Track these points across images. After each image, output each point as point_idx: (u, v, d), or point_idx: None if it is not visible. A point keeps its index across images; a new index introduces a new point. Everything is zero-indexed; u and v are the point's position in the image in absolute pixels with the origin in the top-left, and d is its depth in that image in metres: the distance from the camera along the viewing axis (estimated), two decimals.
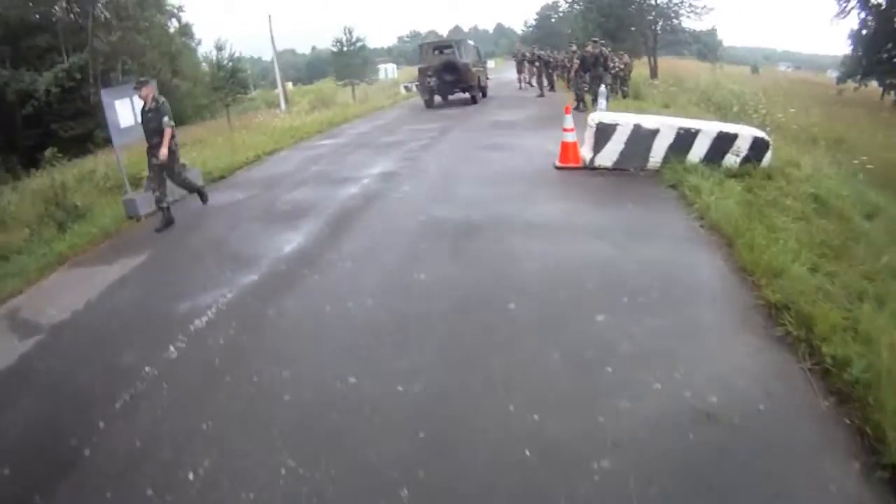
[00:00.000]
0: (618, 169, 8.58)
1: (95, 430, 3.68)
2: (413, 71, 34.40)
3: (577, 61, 17.22)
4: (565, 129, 9.17)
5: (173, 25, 43.07)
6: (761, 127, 12.40)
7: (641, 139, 8.39)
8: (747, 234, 5.43)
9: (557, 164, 9.14)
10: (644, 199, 7.25)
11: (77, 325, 5.55)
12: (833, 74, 65.68)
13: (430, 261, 5.81)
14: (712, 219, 6.07)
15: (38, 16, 32.09)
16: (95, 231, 8.59)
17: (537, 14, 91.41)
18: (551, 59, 27.18)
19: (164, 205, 8.28)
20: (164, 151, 7.87)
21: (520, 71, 29.82)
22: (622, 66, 21.37)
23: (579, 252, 5.64)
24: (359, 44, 39.13)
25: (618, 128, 8.48)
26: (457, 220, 6.92)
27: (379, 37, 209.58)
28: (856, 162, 9.95)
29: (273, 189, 9.93)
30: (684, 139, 8.21)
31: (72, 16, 34.12)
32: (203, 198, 9.30)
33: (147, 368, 4.30)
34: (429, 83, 21.21)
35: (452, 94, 21.87)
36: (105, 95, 9.10)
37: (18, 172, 21.50)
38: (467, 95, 21.63)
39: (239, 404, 3.76)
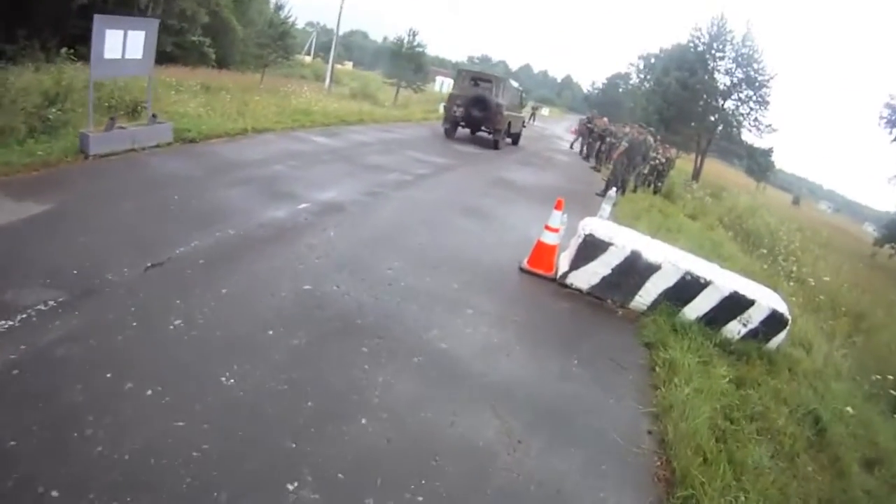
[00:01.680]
0: (593, 296, 6.71)
1: None
2: None
3: (626, 144, 15.33)
4: (549, 228, 7.22)
5: None
6: (783, 287, 10.78)
7: (635, 270, 6.48)
8: (701, 480, 3.70)
9: (524, 265, 7.23)
10: (600, 357, 5.32)
11: None
12: (870, 229, 64.53)
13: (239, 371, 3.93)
14: (668, 431, 4.25)
15: None
16: (40, 154, 7.53)
17: (606, 79, 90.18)
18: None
19: None
20: None
21: (580, 133, 27.07)
22: (664, 160, 19.58)
23: (451, 439, 3.71)
24: (418, 48, 37.40)
25: (610, 248, 6.55)
26: (339, 309, 5.07)
27: (453, 50, 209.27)
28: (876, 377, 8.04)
29: (204, 182, 8.23)
30: (688, 287, 6.34)
31: None
32: None
33: None
34: (454, 112, 19.21)
35: (477, 130, 20.05)
36: (98, 21, 7.94)
37: (52, 57, 19.97)
38: (490, 137, 19.68)
39: None
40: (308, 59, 68.34)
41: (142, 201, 6.77)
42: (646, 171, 18.36)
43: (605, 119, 24.42)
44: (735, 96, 33.00)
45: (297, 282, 5.40)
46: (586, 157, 23.99)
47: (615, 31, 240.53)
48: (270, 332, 4.42)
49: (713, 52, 32.90)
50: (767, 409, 5.08)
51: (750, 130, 33.70)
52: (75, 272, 4.67)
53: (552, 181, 15.37)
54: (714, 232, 15.09)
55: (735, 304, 6.25)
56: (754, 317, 6.23)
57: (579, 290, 6.74)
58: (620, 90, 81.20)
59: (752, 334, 6.24)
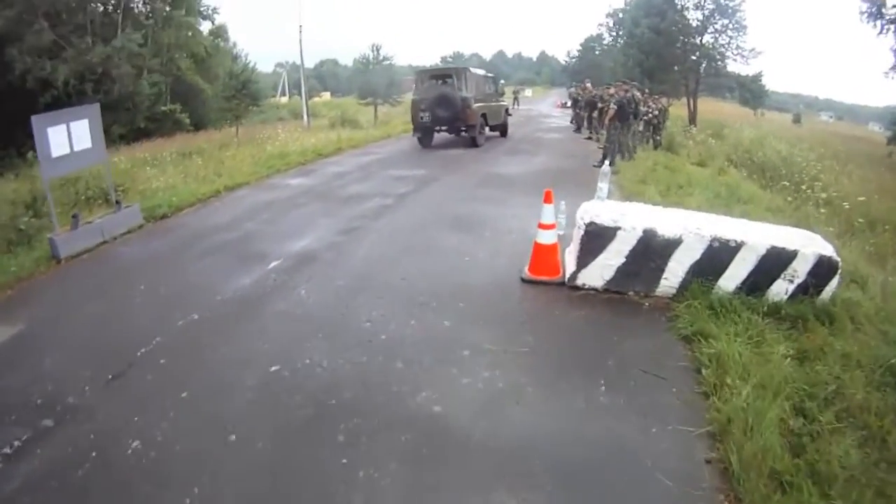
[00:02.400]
0: (612, 292, 5.71)
1: None
2: None
3: (615, 106, 14.18)
4: (542, 226, 6.10)
5: (205, 27, 41.63)
6: (815, 217, 9.78)
7: (654, 251, 5.50)
8: None
9: (526, 274, 6.21)
10: (631, 371, 4.35)
11: None
12: (876, 127, 63.21)
13: None
14: (731, 458, 3.31)
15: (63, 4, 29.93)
16: (13, 270, 7.19)
17: (580, 45, 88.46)
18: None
19: None
20: None
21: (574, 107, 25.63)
22: (656, 112, 18.54)
23: None
24: (385, 62, 36.48)
25: (619, 233, 5.55)
26: (311, 390, 4.23)
27: (423, 55, 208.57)
28: None
29: (172, 262, 7.50)
30: (718, 255, 5.35)
31: (104, 7, 32.74)
32: None
33: None
34: (421, 118, 17.21)
35: (454, 131, 17.62)
36: (36, 122, 7.55)
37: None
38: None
39: None
40: (284, 99, 67.93)
41: (109, 301, 6.23)
42: (640, 128, 17.33)
43: (589, 84, 23.03)
44: (711, 29, 31.75)
45: (263, 365, 4.55)
46: (578, 129, 22.99)
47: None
48: (233, 438, 3.70)
49: None
50: (841, 382, 4.13)
51: (735, 60, 32.47)
52: (39, 402, 4.23)
53: (546, 164, 14.27)
54: (727, 175, 14.03)
55: (776, 261, 5.28)
56: (800, 269, 5.27)
57: (594, 290, 5.76)
58: (597, 52, 79.56)
59: (802, 289, 5.30)
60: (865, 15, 25.68)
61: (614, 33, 56.52)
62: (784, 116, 57.74)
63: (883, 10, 25.07)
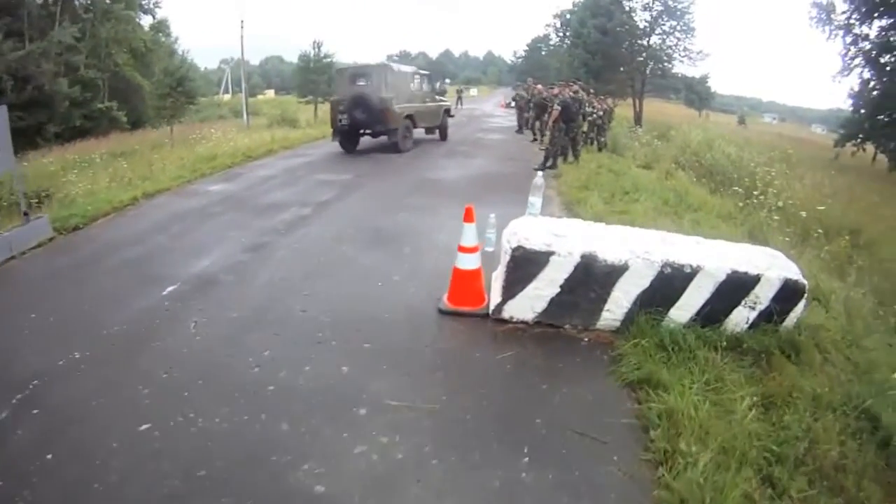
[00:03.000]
0: (545, 325, 4.82)
1: None
2: None
3: (559, 107, 13.36)
4: (463, 249, 5.08)
5: (146, 21, 40.37)
6: (769, 225, 9.18)
7: (594, 279, 4.62)
8: None
9: (444, 304, 5.22)
10: (563, 434, 3.49)
11: None
12: (819, 129, 64.70)
13: None
14: None
15: None
16: None
17: (527, 45, 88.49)
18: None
19: None
20: None
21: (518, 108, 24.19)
22: (601, 113, 17.89)
23: None
24: (326, 59, 35.37)
25: (553, 259, 4.64)
26: (182, 456, 3.34)
27: (367, 54, 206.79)
28: None
29: (69, 284, 6.40)
30: (670, 282, 4.54)
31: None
32: None
33: None
34: (340, 121, 15.37)
35: (377, 135, 16.02)
36: None
37: None
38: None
39: None
40: (227, 97, 66.12)
41: None
42: (585, 129, 16.65)
43: (539, 85, 22.05)
44: (659, 30, 31.47)
45: (134, 423, 3.59)
46: (520, 130, 22.27)
47: None
48: None
49: None
50: (813, 435, 3.43)
51: (682, 61, 32.36)
52: None
53: (485, 168, 13.41)
54: (674, 179, 13.40)
55: (736, 288, 4.53)
56: (763, 295, 4.55)
57: (524, 323, 4.85)
58: (543, 53, 79.61)
59: (765, 316, 4.59)
60: (815, 20, 25.65)
61: (561, 34, 56.15)
62: (729, 118, 58.25)
63: (832, 16, 25.02)
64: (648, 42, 31.47)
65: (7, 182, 10.78)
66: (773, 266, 4.65)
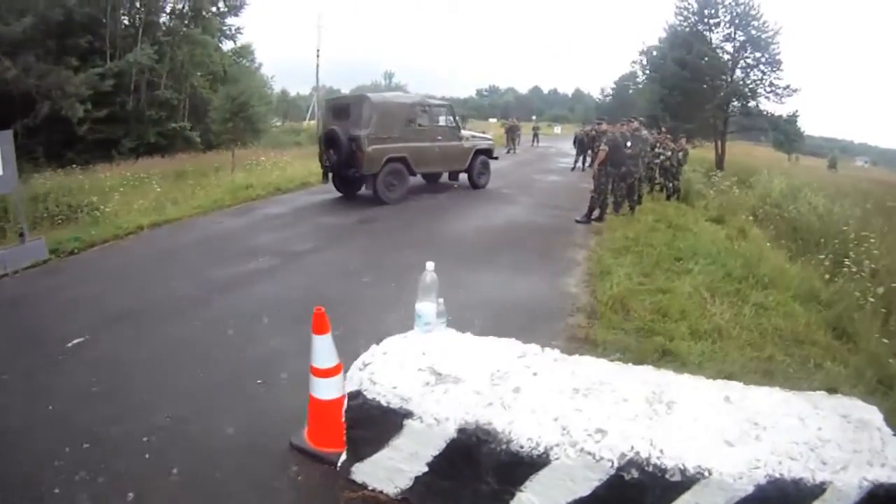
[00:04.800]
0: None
1: None
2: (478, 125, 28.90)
3: (606, 147, 11.17)
4: (318, 372, 3.34)
5: (226, 46, 40.31)
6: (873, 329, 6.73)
7: (486, 468, 2.55)
8: None
9: (301, 439, 3.47)
10: None
11: None
12: None
13: None
14: None
15: (84, 15, 28.78)
16: None
17: (615, 84, 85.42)
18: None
19: None
20: None
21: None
22: (668, 154, 15.55)
23: None
24: (398, 90, 34.15)
25: (409, 425, 2.67)
26: None
27: (459, 88, 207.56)
28: None
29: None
30: (637, 497, 2.35)
31: (126, 18, 32.19)
32: None
33: None
34: (326, 161, 12.94)
35: (352, 181, 13.05)
36: None
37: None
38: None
39: None
40: (312, 123, 66.57)
41: None
42: (644, 174, 14.38)
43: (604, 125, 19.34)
44: (742, 63, 28.53)
45: None
46: (573, 168, 20.28)
47: (616, 33, 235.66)
48: None
49: (705, 19, 28.60)
50: None
51: (768, 98, 28.84)
52: None
53: (517, 217, 11.36)
54: (747, 238, 10.97)
55: None
56: None
57: (384, 496, 2.86)
58: (630, 91, 76.72)
59: None
60: None
61: (647, 71, 53.53)
62: (819, 161, 54.08)
63: None
64: (731, 76, 28.59)
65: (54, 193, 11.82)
66: (853, 456, 2.47)
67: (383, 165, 12.34)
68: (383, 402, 2.73)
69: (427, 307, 3.41)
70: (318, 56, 30.23)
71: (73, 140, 26.06)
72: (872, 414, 2.84)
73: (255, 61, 46.54)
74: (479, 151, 15.13)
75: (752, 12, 27.43)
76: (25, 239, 8.23)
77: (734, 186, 17.37)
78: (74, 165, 21.28)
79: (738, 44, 28.07)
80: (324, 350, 3.35)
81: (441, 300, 4.28)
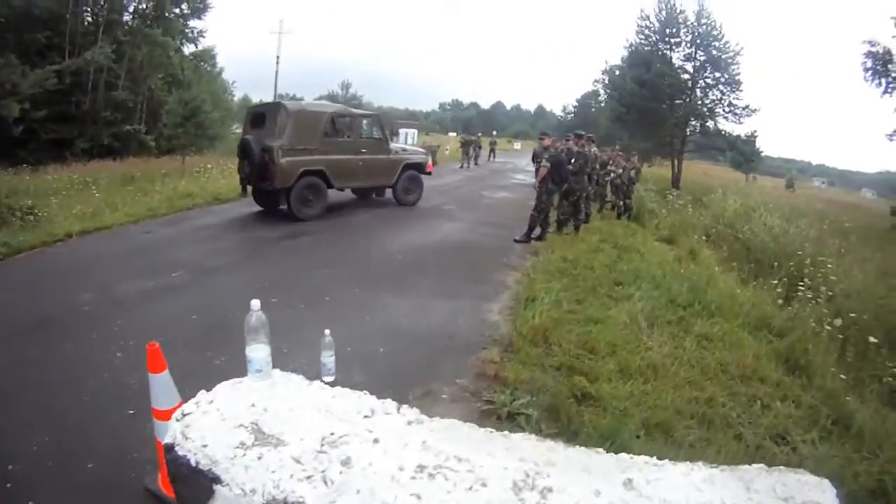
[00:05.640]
0: None
1: None
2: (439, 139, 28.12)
3: (546, 164, 10.45)
4: (159, 415, 2.91)
5: (188, 49, 39.78)
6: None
7: None
8: None
9: (156, 484, 3.09)
10: None
11: None
12: (868, 194, 60.80)
13: None
14: None
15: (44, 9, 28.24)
16: None
17: (577, 101, 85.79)
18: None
19: None
20: None
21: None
22: (619, 172, 14.99)
23: None
24: (354, 101, 33.54)
25: (220, 492, 1.87)
26: None
27: (422, 101, 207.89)
28: None
29: None
30: None
31: (88, 16, 31.48)
32: None
33: None
34: (244, 171, 11.82)
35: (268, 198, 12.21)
36: None
37: None
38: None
39: None
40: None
41: None
42: (593, 192, 13.79)
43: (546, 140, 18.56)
44: (701, 83, 28.19)
45: None
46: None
47: (580, 52, 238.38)
48: None
49: (666, 38, 28.19)
50: None
51: (726, 118, 28.46)
52: None
53: (455, 235, 10.64)
54: (698, 260, 10.33)
55: None
56: None
57: None
58: (593, 109, 77.05)
59: None
60: (869, 72, 22.35)
61: (609, 90, 53.50)
62: (777, 182, 54.61)
63: (890, 66, 21.76)
64: (690, 96, 28.25)
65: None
66: None
67: (298, 179, 11.29)
68: (192, 462, 2.01)
69: (257, 351, 2.64)
70: (277, 62, 29.51)
71: (26, 139, 25.62)
72: (823, 493, 2.08)
73: (217, 66, 46.10)
74: (409, 166, 14.10)
75: (714, 32, 27.08)
76: None
77: (688, 205, 16.83)
78: (25, 165, 20.65)
79: (698, 63, 27.61)
80: (162, 389, 3.00)
81: (327, 331, 3.90)
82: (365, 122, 13.29)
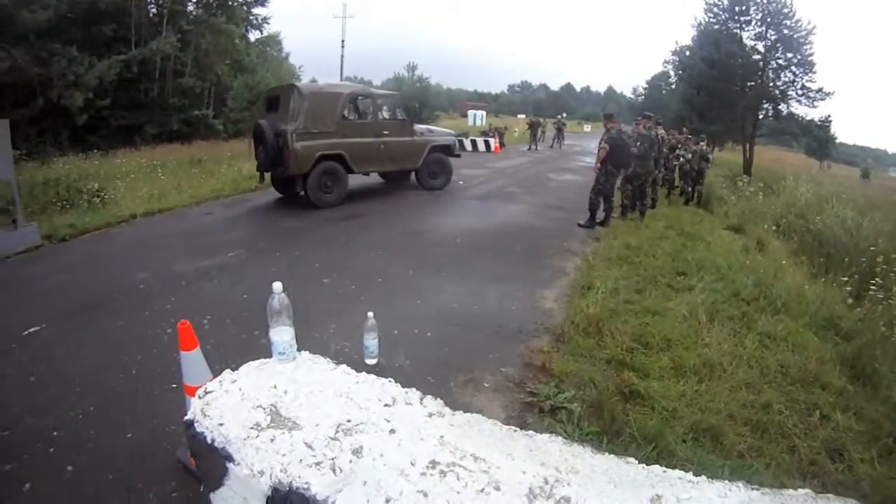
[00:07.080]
0: None
1: None
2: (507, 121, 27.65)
3: (605, 146, 10.05)
4: (190, 391, 2.92)
5: (253, 36, 39.96)
6: None
7: None
8: None
9: (187, 459, 3.17)
10: None
11: None
12: None
13: None
14: None
15: (109, 4, 28.79)
16: None
17: (647, 83, 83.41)
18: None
19: None
20: None
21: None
22: (689, 157, 14.44)
23: None
24: (419, 84, 33.43)
25: (233, 470, 1.93)
26: None
27: (491, 83, 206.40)
28: None
29: None
30: None
31: (153, 7, 32.17)
32: None
33: None
34: (259, 154, 11.49)
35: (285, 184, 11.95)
36: None
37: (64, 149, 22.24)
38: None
39: None
40: None
41: None
42: (662, 176, 13.35)
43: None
44: (773, 64, 26.86)
45: None
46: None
47: (652, 32, 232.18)
48: None
49: (736, 16, 27.02)
50: None
51: (799, 101, 27.00)
52: None
53: (513, 219, 10.47)
54: (765, 252, 9.86)
55: None
56: None
57: None
58: (663, 91, 74.76)
59: None
60: None
61: (679, 71, 51.69)
62: (852, 170, 51.93)
63: None
64: (762, 78, 27.04)
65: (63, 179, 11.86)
66: None
67: (315, 164, 10.83)
68: (208, 439, 2.01)
69: (279, 333, 2.60)
70: (342, 47, 29.71)
71: (97, 126, 26.28)
72: None
73: (283, 51, 46.94)
74: (436, 148, 13.41)
75: (785, 10, 25.78)
76: (18, 225, 8.32)
77: (759, 193, 16.15)
78: (96, 150, 21.43)
79: (769, 43, 26.35)
80: (193, 366, 3.03)
81: (370, 314, 4.15)
82: (387, 102, 12.69)
